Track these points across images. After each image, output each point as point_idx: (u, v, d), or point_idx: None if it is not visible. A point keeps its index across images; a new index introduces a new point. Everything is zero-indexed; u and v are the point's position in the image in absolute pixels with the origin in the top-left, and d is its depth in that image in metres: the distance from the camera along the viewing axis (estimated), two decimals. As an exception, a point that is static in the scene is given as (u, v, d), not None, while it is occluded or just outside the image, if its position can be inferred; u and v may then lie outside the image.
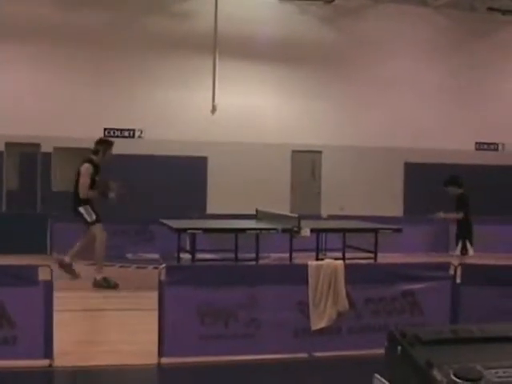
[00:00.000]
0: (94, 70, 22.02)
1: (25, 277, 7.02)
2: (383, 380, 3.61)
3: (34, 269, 7.11)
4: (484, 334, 3.54)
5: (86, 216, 12.34)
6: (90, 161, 12.54)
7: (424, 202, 22.71)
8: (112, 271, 13.66)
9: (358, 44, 24.28)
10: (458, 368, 3.12)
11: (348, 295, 7.58)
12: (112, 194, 12.68)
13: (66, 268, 12.38)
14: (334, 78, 23.98)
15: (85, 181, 12.33)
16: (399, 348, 3.46)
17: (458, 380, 3.08)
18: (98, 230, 12.36)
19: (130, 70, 22.40)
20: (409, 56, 24.62)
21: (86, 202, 12.37)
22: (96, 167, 12.53)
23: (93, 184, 12.44)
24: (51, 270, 7.02)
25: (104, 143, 12.89)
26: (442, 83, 24.98)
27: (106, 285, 12.02)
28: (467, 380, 3.08)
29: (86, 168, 12.41)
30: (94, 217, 12.33)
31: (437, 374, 3.10)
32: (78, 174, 12.47)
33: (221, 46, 23.06)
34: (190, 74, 22.85)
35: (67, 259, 12.43)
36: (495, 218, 18.23)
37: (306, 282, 7.51)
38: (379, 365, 3.76)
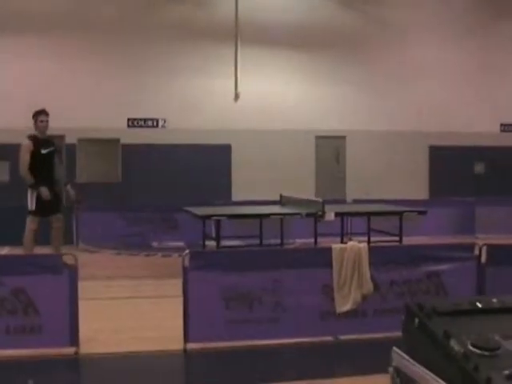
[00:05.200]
0: (117, 60, 22.15)
1: (50, 265, 7.07)
2: (401, 352, 3.59)
3: (58, 257, 7.21)
4: (503, 304, 3.49)
5: (28, 201, 11.51)
6: (29, 136, 11.65)
7: (449, 184, 22.67)
8: (137, 260, 13.76)
9: (380, 28, 24.13)
10: (475, 338, 3.08)
11: (372, 278, 7.54)
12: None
13: None
14: (357, 62, 23.82)
15: (23, 159, 11.45)
16: (416, 320, 3.44)
17: (475, 350, 3.04)
18: (28, 222, 11.53)
19: (153, 60, 22.45)
20: (433, 39, 24.39)
21: (32, 185, 11.47)
22: (37, 140, 11.58)
23: (39, 159, 11.52)
24: (76, 258, 7.06)
25: (33, 116, 11.71)
26: (467, 66, 24.76)
27: None
28: (485, 350, 3.03)
29: (24, 145, 11.53)
30: (33, 207, 11.48)
31: (454, 344, 3.06)
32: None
33: (242, 34, 23.02)
34: (212, 62, 22.85)
35: None
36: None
37: (331, 266, 7.48)
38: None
